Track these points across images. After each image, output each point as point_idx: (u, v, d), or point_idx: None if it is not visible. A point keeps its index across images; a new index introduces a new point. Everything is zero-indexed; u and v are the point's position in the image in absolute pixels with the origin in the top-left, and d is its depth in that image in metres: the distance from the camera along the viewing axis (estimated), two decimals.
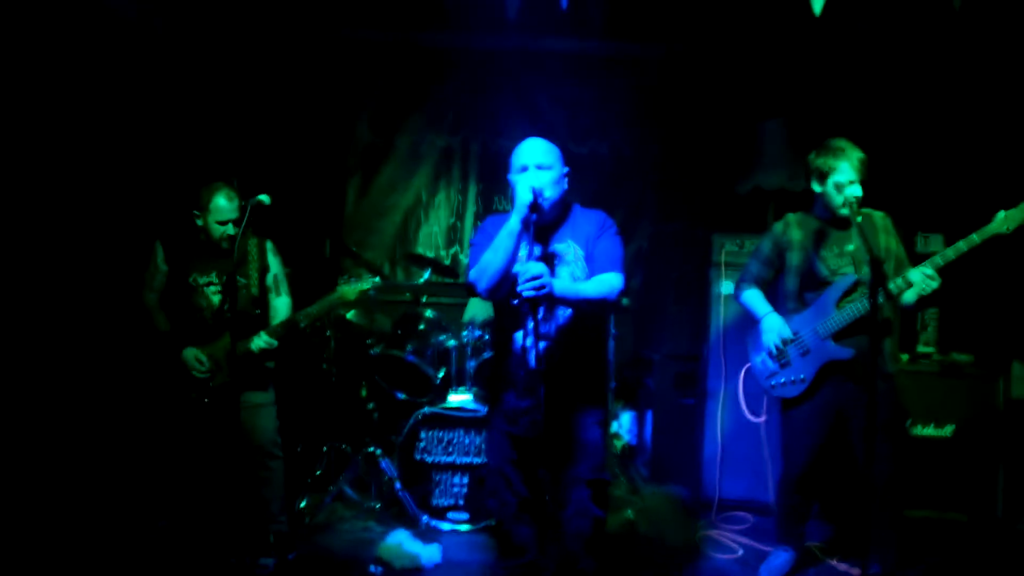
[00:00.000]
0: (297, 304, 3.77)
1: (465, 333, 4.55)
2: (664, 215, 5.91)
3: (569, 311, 2.95)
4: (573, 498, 3.03)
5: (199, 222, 3.58)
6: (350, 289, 3.62)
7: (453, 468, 4.22)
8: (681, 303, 5.07)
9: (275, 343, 3.57)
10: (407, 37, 5.84)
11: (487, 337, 4.49)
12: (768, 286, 3.70)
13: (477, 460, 4.20)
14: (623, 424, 5.63)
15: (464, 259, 6.05)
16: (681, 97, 5.87)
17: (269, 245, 3.76)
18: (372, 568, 3.65)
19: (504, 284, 2.87)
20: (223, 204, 3.52)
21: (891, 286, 3.21)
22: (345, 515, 4.32)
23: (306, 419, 4.89)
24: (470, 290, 3.00)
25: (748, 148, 5.33)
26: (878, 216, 3.53)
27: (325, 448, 4.62)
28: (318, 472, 4.57)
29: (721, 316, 4.62)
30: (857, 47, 4.77)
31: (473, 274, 2.96)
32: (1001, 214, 3.13)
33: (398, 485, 4.22)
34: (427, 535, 4.01)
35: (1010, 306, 4.76)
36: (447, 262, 5.99)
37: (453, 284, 5.64)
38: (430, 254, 5.96)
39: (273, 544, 3.65)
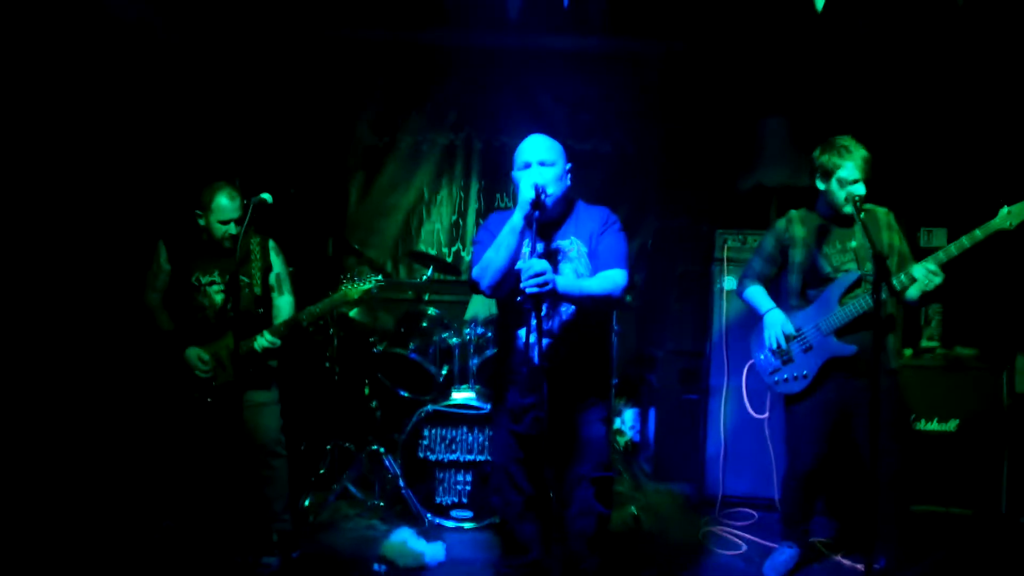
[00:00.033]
0: (300, 303, 3.77)
1: (468, 331, 4.55)
2: (667, 211, 5.90)
3: (572, 308, 2.94)
4: (577, 496, 3.03)
5: (201, 222, 3.57)
6: (353, 288, 3.62)
7: (456, 466, 4.22)
8: (684, 299, 5.06)
9: (278, 342, 3.57)
10: (408, 36, 5.85)
11: (490, 335, 4.49)
12: (771, 283, 3.70)
13: (480, 458, 4.20)
14: (626, 421, 5.63)
15: (466, 256, 6.05)
16: (683, 94, 5.87)
17: (272, 244, 3.76)
18: (376, 566, 3.66)
19: (507, 281, 2.87)
20: (225, 203, 3.52)
21: (894, 282, 3.21)
22: (349, 513, 4.32)
23: (309, 417, 4.89)
24: (473, 287, 3.00)
25: (750, 144, 5.33)
26: (881, 212, 3.52)
27: (328, 446, 4.63)
28: (321, 471, 4.57)
29: (724, 312, 4.61)
30: (859, 43, 4.76)
31: (476, 271, 2.96)
32: (1004, 209, 3.12)
33: (402, 483, 4.22)
34: (431, 533, 4.02)
35: (1014, 300, 4.75)
36: (449, 260, 5.99)
37: (455, 282, 5.64)
38: (432, 252, 5.97)
39: (277, 543, 3.65)
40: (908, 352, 4.48)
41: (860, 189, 3.33)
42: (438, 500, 4.20)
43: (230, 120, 5.33)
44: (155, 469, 3.96)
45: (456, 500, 4.20)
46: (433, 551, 3.76)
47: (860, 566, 3.71)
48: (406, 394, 4.71)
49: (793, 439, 3.63)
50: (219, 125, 5.21)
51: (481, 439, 4.22)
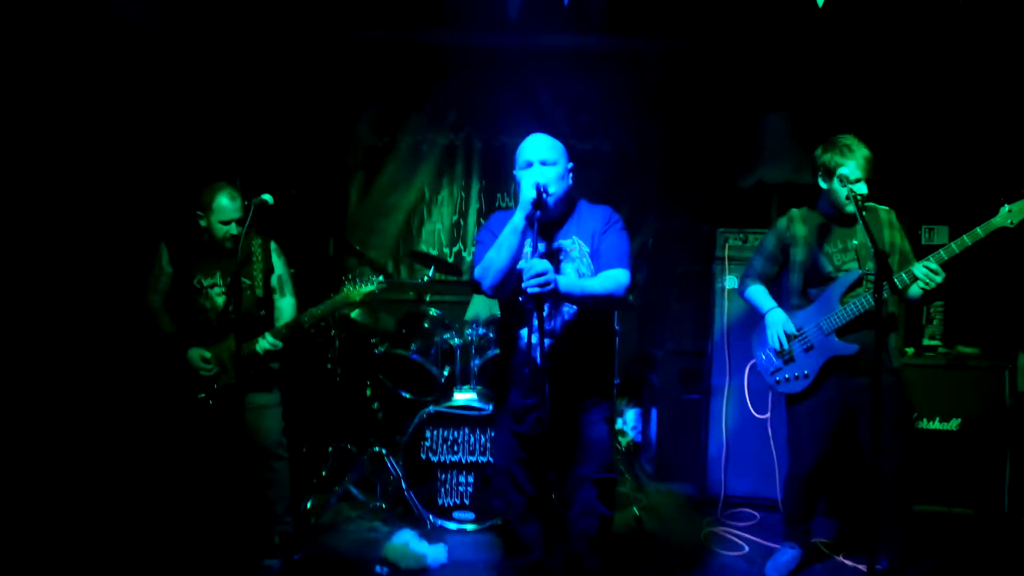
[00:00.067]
0: (301, 304, 3.76)
1: (469, 331, 4.55)
2: (668, 211, 5.90)
3: (574, 308, 2.94)
4: (579, 497, 3.02)
5: (202, 222, 3.57)
6: (356, 290, 3.62)
7: (458, 467, 4.22)
8: (685, 299, 5.06)
9: (280, 344, 3.57)
10: (408, 36, 5.84)
11: (491, 335, 4.49)
12: (772, 282, 3.70)
13: (483, 459, 4.20)
14: (628, 421, 5.63)
15: (467, 257, 6.05)
16: (684, 92, 5.87)
17: (273, 246, 3.76)
18: (378, 568, 3.65)
19: (509, 281, 2.86)
20: (226, 203, 3.52)
21: (895, 281, 3.20)
22: (351, 515, 4.31)
23: (311, 419, 4.89)
24: (475, 287, 2.99)
25: (751, 142, 5.32)
26: (883, 211, 3.52)
27: (330, 448, 4.62)
28: (323, 472, 4.57)
29: (725, 312, 4.61)
30: (860, 40, 4.75)
31: (478, 272, 2.95)
32: (1005, 207, 3.11)
33: (403, 485, 4.22)
34: (433, 535, 4.01)
35: (1015, 299, 4.74)
36: (450, 260, 5.99)
37: (457, 282, 5.64)
38: (433, 252, 5.97)
39: (279, 545, 3.65)
40: (910, 351, 4.47)
41: (862, 188, 3.33)
42: (440, 501, 4.20)
43: (231, 121, 5.33)
44: (157, 471, 3.96)
45: (458, 502, 4.20)
46: (435, 553, 3.75)
47: (862, 567, 3.71)
48: (408, 395, 4.70)
49: (795, 439, 3.63)
50: (220, 126, 5.21)
51: (483, 440, 4.22)
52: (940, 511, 4.24)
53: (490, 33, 5.68)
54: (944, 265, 3.15)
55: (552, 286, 2.66)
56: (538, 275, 2.63)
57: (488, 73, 5.97)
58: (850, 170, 3.33)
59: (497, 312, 4.52)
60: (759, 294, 3.66)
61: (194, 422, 3.59)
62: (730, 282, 4.57)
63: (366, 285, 3.64)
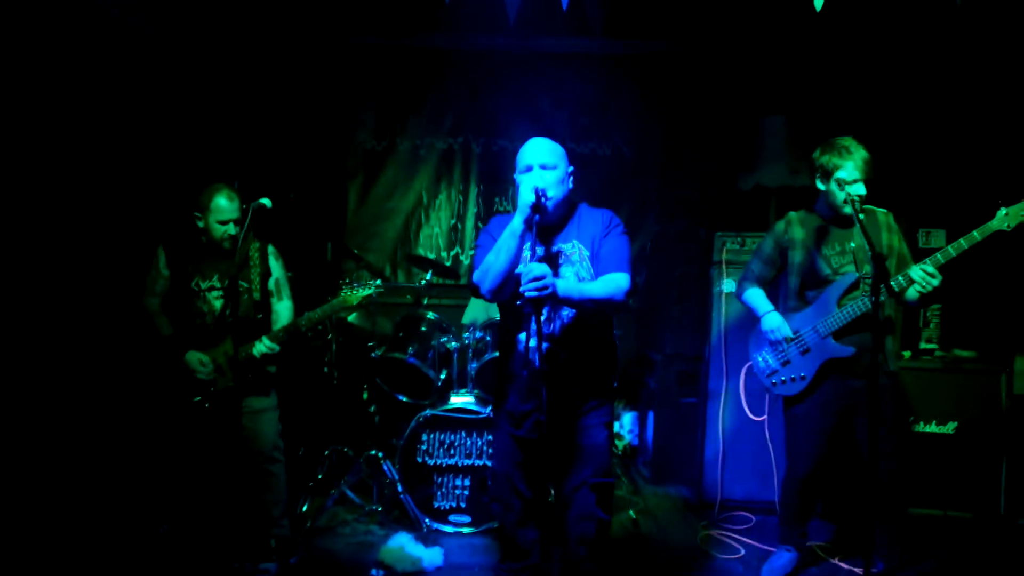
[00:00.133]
0: (299, 308, 3.76)
1: (467, 335, 4.55)
2: (666, 214, 5.91)
3: (573, 312, 2.93)
4: (578, 501, 3.02)
5: (200, 223, 3.57)
6: (353, 294, 3.61)
7: (455, 470, 4.21)
8: (683, 302, 5.06)
9: (277, 348, 3.57)
10: (406, 40, 5.85)
11: (488, 339, 4.49)
12: (770, 285, 3.70)
13: (479, 462, 4.20)
14: (625, 424, 5.62)
15: (465, 260, 6.05)
16: (682, 95, 5.88)
17: (271, 249, 3.75)
18: (374, 572, 3.65)
19: (508, 285, 2.86)
20: (224, 204, 3.52)
21: (892, 284, 3.21)
22: (347, 519, 4.31)
23: (308, 422, 4.89)
24: (474, 291, 2.99)
25: (749, 145, 5.33)
26: (881, 213, 3.53)
27: (327, 451, 4.62)
28: (320, 476, 4.56)
29: (723, 315, 4.61)
30: (858, 43, 4.76)
31: (477, 275, 2.95)
32: (1002, 211, 3.13)
33: (400, 488, 4.22)
34: (429, 538, 4.01)
35: (1012, 302, 4.75)
36: (448, 263, 5.99)
37: (454, 286, 5.63)
38: (431, 256, 5.97)
39: (275, 548, 3.64)
40: (907, 354, 4.47)
41: (860, 189, 3.33)
42: (436, 505, 4.19)
43: (230, 126, 5.33)
44: (153, 474, 3.96)
45: (454, 505, 4.19)
46: (431, 556, 3.75)
47: (858, 570, 3.69)
48: (405, 399, 4.70)
49: (792, 441, 3.63)
50: (219, 131, 5.22)
51: (480, 443, 4.22)
52: (936, 514, 4.24)
53: (488, 37, 5.70)
54: (941, 268, 3.16)
55: (550, 290, 2.66)
56: (536, 279, 2.63)
57: (486, 77, 5.98)
58: (848, 171, 3.34)
59: (494, 315, 4.52)
60: (756, 297, 3.67)
61: (191, 425, 3.58)
62: (728, 286, 4.58)
63: (363, 289, 3.64)
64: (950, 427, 4.31)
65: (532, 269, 2.65)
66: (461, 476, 4.21)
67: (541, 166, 2.93)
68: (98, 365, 4.25)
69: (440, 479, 4.21)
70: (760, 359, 3.64)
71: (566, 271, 2.95)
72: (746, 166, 5.38)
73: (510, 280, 2.84)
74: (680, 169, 5.95)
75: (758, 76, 5.53)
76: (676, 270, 5.10)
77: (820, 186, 3.49)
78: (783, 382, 3.55)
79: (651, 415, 5.19)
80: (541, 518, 3.12)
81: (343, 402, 4.84)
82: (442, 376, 4.58)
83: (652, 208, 6.08)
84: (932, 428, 4.32)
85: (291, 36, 5.63)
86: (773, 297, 3.67)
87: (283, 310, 3.74)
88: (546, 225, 2.98)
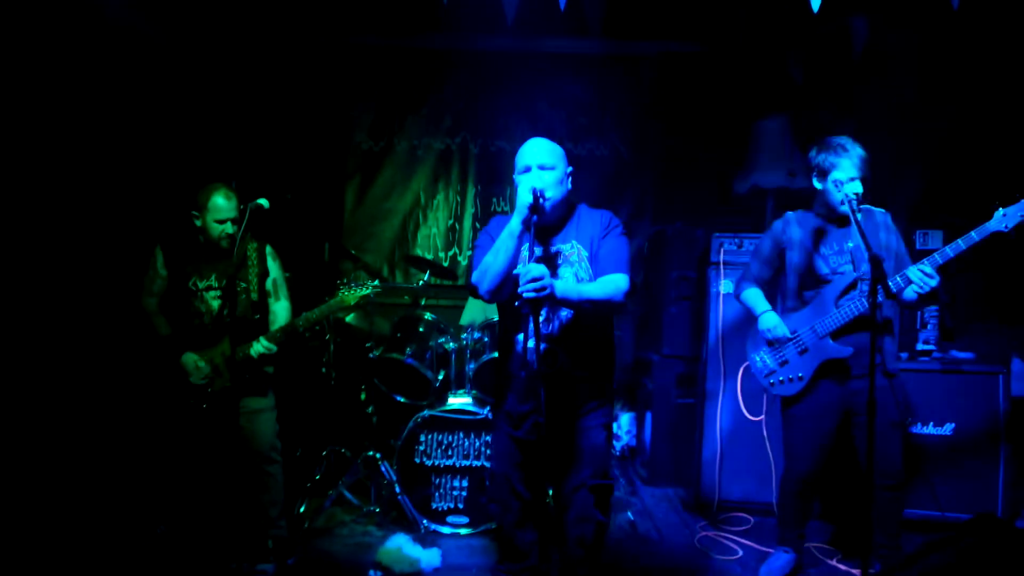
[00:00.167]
0: (296, 308, 3.76)
1: (464, 335, 4.54)
2: (664, 215, 5.91)
3: (572, 312, 2.93)
4: (576, 503, 3.00)
5: (198, 222, 3.57)
6: (351, 294, 3.61)
7: (453, 471, 4.21)
8: (680, 303, 5.06)
9: (275, 348, 3.56)
10: (404, 41, 5.86)
11: (486, 339, 4.48)
12: (768, 285, 3.70)
13: (477, 463, 4.19)
14: (622, 425, 5.62)
15: (463, 261, 6.05)
16: (679, 96, 5.88)
17: (268, 249, 3.75)
18: (372, 573, 3.65)
19: (506, 286, 2.86)
20: (221, 203, 3.52)
21: (890, 284, 3.20)
22: (344, 519, 4.30)
23: (305, 423, 4.88)
24: (472, 291, 2.98)
25: (746, 147, 5.33)
26: (878, 213, 3.53)
27: (324, 452, 4.61)
28: (317, 476, 4.56)
29: (720, 316, 4.61)
30: (856, 44, 4.76)
31: (475, 276, 2.95)
32: (999, 211, 3.12)
33: (397, 489, 4.21)
34: (427, 539, 4.01)
35: (1010, 304, 4.75)
36: (446, 264, 5.99)
37: (452, 286, 5.63)
38: (429, 256, 5.97)
39: (272, 549, 3.63)
40: (904, 355, 4.47)
41: (857, 187, 3.32)
42: (434, 506, 4.19)
43: (227, 126, 5.33)
44: (150, 474, 3.95)
45: (452, 506, 4.19)
46: (429, 557, 3.74)
47: (856, 571, 3.71)
48: (402, 399, 4.69)
49: (789, 442, 3.63)
50: (216, 131, 5.21)
51: (478, 444, 4.21)
52: (934, 515, 4.24)
53: (486, 37, 5.70)
54: (939, 269, 3.16)
55: (548, 291, 2.66)
56: (534, 280, 2.63)
57: (484, 77, 5.98)
58: (845, 169, 3.34)
59: (492, 316, 4.52)
60: (754, 297, 3.67)
61: (188, 426, 3.58)
62: (725, 286, 4.58)
63: (361, 289, 3.64)
64: (948, 429, 4.31)
65: (530, 270, 2.65)
66: (459, 477, 4.20)
67: (539, 167, 2.93)
68: (96, 366, 4.24)
69: (438, 480, 4.20)
70: (758, 359, 3.64)
71: (565, 272, 2.95)
72: (742, 168, 5.38)
73: (508, 281, 2.84)
74: (678, 170, 5.96)
75: (755, 77, 5.53)
76: (673, 271, 5.10)
77: (817, 185, 3.49)
78: (781, 382, 3.55)
79: (649, 416, 5.19)
80: (539, 519, 3.11)
81: (341, 403, 4.83)
82: (440, 377, 4.58)
83: (649, 209, 6.09)
84: (930, 430, 4.32)
85: (289, 36, 5.63)
86: (772, 298, 3.67)
87: (281, 310, 3.73)
88: (545, 226, 2.98)
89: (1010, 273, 4.70)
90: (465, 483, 4.19)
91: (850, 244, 3.44)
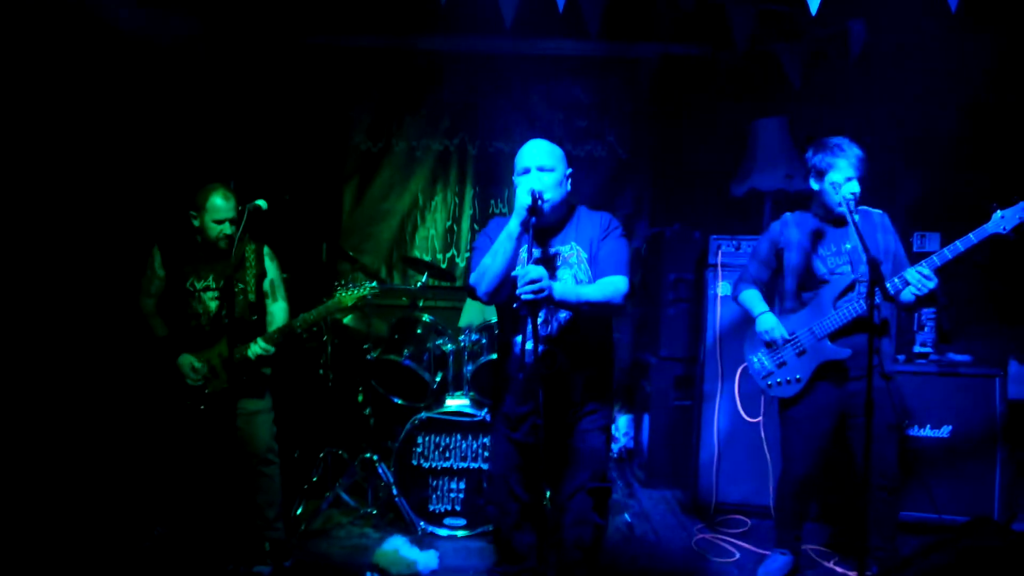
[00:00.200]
0: (294, 309, 3.75)
1: (462, 337, 4.54)
2: (661, 217, 5.91)
3: (570, 314, 2.92)
4: (574, 506, 3.00)
5: (196, 222, 3.57)
6: (348, 295, 3.61)
7: (450, 473, 4.20)
8: (678, 305, 5.07)
9: (272, 350, 3.56)
10: (403, 42, 5.86)
11: (484, 341, 4.48)
12: (766, 287, 3.70)
13: (474, 465, 4.19)
14: (619, 427, 5.62)
15: (460, 263, 6.05)
16: (677, 98, 5.89)
17: (266, 250, 3.75)
18: (368, 575, 3.64)
19: (504, 287, 2.85)
20: (219, 203, 3.52)
21: (888, 286, 3.20)
22: (342, 521, 4.30)
23: (303, 425, 4.87)
24: (471, 293, 2.98)
25: (744, 149, 5.33)
26: (876, 214, 3.53)
27: (322, 454, 4.60)
28: (315, 478, 4.55)
29: (718, 318, 4.61)
30: (853, 46, 4.77)
31: (473, 277, 2.94)
32: (997, 213, 3.13)
33: (395, 491, 4.21)
34: (424, 541, 4.00)
35: (1007, 306, 4.76)
36: (444, 266, 5.99)
37: (450, 288, 5.63)
38: (427, 258, 5.96)
39: (269, 551, 3.63)
40: (901, 358, 4.48)
41: (854, 187, 3.33)
42: (431, 508, 4.18)
43: (225, 127, 5.33)
44: (148, 476, 3.94)
45: (449, 508, 4.18)
46: (426, 559, 3.74)
47: (853, 573, 3.71)
48: (400, 401, 4.69)
49: (787, 443, 3.63)
50: (214, 132, 5.21)
51: (475, 446, 4.21)
52: (931, 518, 4.24)
53: (485, 39, 5.71)
54: (937, 271, 3.16)
55: (546, 293, 2.66)
56: (532, 281, 2.63)
57: (483, 79, 5.98)
58: (842, 169, 3.34)
59: (490, 318, 4.52)
60: (752, 298, 3.67)
61: (185, 427, 3.58)
62: (723, 288, 4.58)
63: (358, 290, 3.64)
64: (945, 431, 4.31)
65: (528, 272, 2.64)
66: (456, 479, 4.20)
67: (539, 168, 2.92)
68: (93, 367, 4.24)
69: (435, 482, 4.20)
70: (756, 360, 3.64)
71: (564, 273, 2.95)
72: (741, 170, 5.38)
73: (506, 283, 2.84)
74: (676, 172, 5.96)
75: (753, 80, 5.54)
76: (671, 273, 5.10)
77: (814, 186, 3.50)
78: (779, 384, 3.55)
79: (646, 418, 5.19)
80: (537, 522, 3.11)
81: (338, 404, 4.82)
82: (437, 378, 4.57)
83: (647, 211, 6.09)
84: (927, 432, 4.32)
85: (288, 37, 5.62)
86: (770, 299, 3.67)
87: (278, 311, 3.73)
88: (543, 227, 2.98)
89: (1008, 275, 4.71)
90: (462, 485, 4.19)
91: (848, 245, 3.44)
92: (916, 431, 4.31)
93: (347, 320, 4.85)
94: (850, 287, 3.40)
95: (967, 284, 4.39)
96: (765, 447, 4.41)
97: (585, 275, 2.95)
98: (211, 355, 3.57)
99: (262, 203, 3.27)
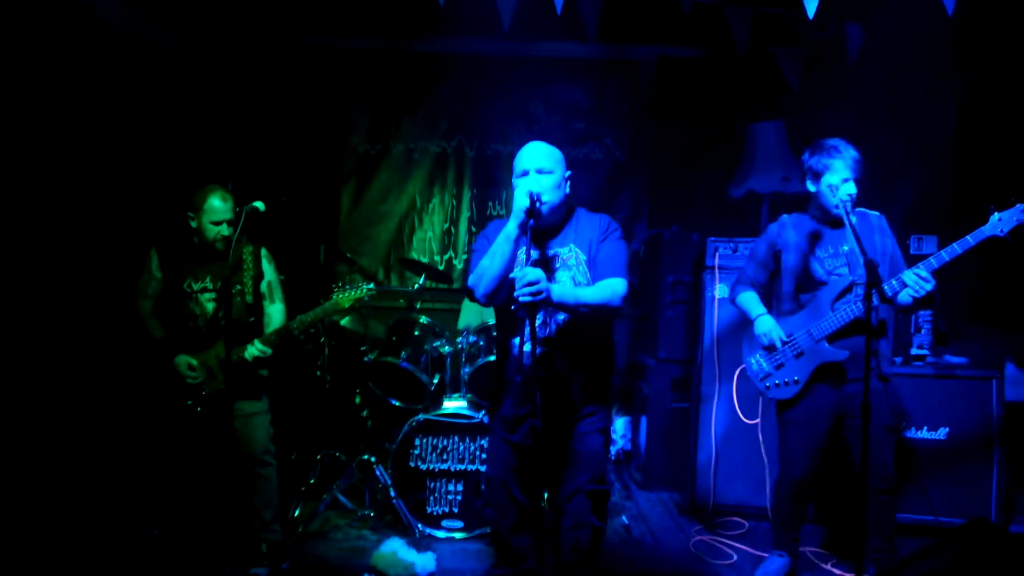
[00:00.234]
0: (291, 311, 3.75)
1: (460, 339, 4.54)
2: (659, 219, 5.92)
3: (568, 316, 2.92)
4: (572, 508, 2.99)
5: (193, 223, 3.56)
6: (345, 297, 3.61)
7: (448, 475, 4.20)
8: (675, 307, 5.07)
9: (269, 351, 3.56)
10: (401, 44, 5.87)
11: (482, 343, 4.48)
12: (764, 289, 3.71)
13: (472, 467, 4.18)
14: (617, 429, 5.62)
15: (458, 265, 6.05)
16: (675, 100, 5.90)
17: (264, 252, 3.74)
18: None
19: (502, 289, 2.85)
20: (217, 204, 3.52)
21: (885, 288, 3.20)
22: (339, 523, 4.29)
23: (300, 426, 4.87)
24: (469, 295, 2.98)
25: (741, 151, 5.34)
26: (873, 216, 3.54)
27: (319, 456, 4.60)
28: (312, 480, 4.54)
29: (715, 320, 4.62)
30: (850, 49, 4.78)
31: (471, 279, 2.95)
32: (995, 216, 3.13)
33: (392, 493, 4.20)
34: (421, 543, 3.99)
35: (1004, 308, 4.76)
36: (441, 268, 5.98)
37: (447, 290, 5.63)
38: (424, 260, 5.96)
39: (266, 553, 3.62)
40: (898, 360, 4.48)
41: (851, 189, 3.34)
42: (429, 510, 4.18)
43: (223, 128, 5.33)
44: (144, 478, 3.93)
45: (447, 510, 4.18)
46: (423, 562, 3.73)
47: (851, 575, 3.71)
48: (397, 403, 4.69)
49: (784, 445, 3.63)
50: (212, 133, 5.21)
51: (472, 448, 4.20)
52: (928, 520, 4.24)
53: (483, 41, 5.72)
54: (934, 273, 3.17)
55: (544, 295, 2.66)
56: (530, 284, 2.63)
57: (480, 81, 5.99)
58: (838, 171, 3.35)
59: (488, 320, 4.52)
60: (750, 300, 3.68)
61: (182, 429, 3.57)
62: (720, 291, 4.58)
63: (356, 292, 3.64)
64: (941, 433, 4.32)
65: (526, 274, 2.64)
66: (454, 481, 4.19)
67: (537, 171, 2.92)
68: (90, 369, 4.22)
69: (433, 484, 4.19)
70: (754, 362, 3.64)
71: (562, 275, 2.95)
72: (738, 172, 5.39)
73: (504, 284, 2.84)
74: (674, 174, 5.97)
75: (751, 82, 5.55)
76: (669, 275, 5.11)
77: (810, 188, 3.50)
78: (776, 386, 3.55)
79: (644, 420, 5.19)
80: (536, 524, 3.10)
81: (336, 406, 4.82)
82: (435, 380, 4.57)
83: (645, 213, 6.10)
84: (924, 434, 4.33)
85: (287, 39, 5.63)
86: (767, 301, 3.68)
87: (275, 313, 3.72)
88: (542, 229, 2.98)
89: (1004, 277, 4.72)
90: (460, 487, 4.18)
91: (845, 247, 3.45)
92: (913, 433, 4.32)
93: (344, 322, 4.84)
94: (848, 289, 3.41)
95: (964, 286, 4.39)
96: (763, 449, 4.41)
97: (584, 277, 2.95)
98: (208, 357, 3.57)
99: (260, 205, 3.27)
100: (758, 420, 4.45)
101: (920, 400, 4.32)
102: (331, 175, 6.05)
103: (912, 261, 3.33)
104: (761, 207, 5.16)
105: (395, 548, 3.78)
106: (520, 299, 2.63)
